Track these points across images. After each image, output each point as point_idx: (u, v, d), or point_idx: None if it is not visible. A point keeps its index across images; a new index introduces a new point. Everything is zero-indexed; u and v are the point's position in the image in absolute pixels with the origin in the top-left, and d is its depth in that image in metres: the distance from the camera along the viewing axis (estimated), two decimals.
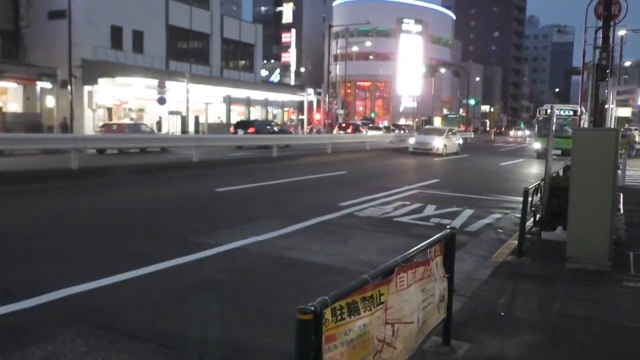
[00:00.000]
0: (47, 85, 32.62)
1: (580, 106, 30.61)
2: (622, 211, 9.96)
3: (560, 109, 29.37)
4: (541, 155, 26.54)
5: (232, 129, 34.24)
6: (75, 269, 6.12)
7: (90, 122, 33.73)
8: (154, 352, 4.00)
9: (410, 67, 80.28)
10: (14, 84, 32.44)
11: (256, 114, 50.85)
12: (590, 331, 4.61)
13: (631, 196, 12.61)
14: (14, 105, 33.23)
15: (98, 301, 5.12)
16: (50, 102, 33.53)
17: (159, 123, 35.02)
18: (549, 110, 25.57)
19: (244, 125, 32.94)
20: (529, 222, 8.12)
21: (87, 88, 33.43)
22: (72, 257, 6.66)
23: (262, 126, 33.02)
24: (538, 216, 8.50)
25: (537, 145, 30.53)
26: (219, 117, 44.07)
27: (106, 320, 4.60)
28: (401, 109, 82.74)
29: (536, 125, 32.04)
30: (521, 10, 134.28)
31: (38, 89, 33.01)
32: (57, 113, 32.25)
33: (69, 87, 30.24)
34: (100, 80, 33.70)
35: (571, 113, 29.75)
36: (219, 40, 46.56)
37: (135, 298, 5.27)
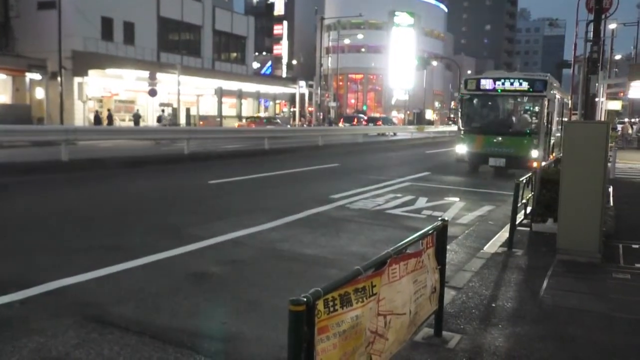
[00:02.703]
0: (37, 76, 32.33)
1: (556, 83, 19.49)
2: (612, 203, 10.04)
3: (507, 79, 16.05)
4: (473, 169, 17.31)
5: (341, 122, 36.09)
6: (67, 261, 6.09)
7: (81, 114, 33.48)
8: (146, 344, 3.99)
9: (402, 60, 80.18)
10: (2, 75, 32.14)
11: (247, 106, 50.68)
12: (580, 322, 4.65)
13: (621, 188, 12.71)
14: (3, 96, 32.94)
15: (89, 293, 5.10)
16: (39, 93, 33.24)
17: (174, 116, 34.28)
18: (484, 82, 16.21)
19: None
20: (520, 215, 8.15)
21: (77, 80, 33.11)
22: (63, 249, 6.63)
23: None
24: (529, 208, 8.54)
25: (461, 149, 16.77)
26: (168, 114, 38.26)
27: (98, 312, 4.58)
28: (393, 102, 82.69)
29: (459, 111, 17.45)
30: (513, 3, 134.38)
31: (27, 80, 32.72)
32: (47, 104, 31.99)
33: (59, 79, 29.99)
34: (91, 72, 33.41)
35: (525, 87, 15.80)
36: (210, 32, 46.29)
37: (127, 290, 5.25)
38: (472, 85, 16.28)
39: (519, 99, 16.82)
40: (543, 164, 11.61)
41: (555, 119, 17.87)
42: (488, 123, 16.68)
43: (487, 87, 15.98)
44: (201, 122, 42.12)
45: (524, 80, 15.65)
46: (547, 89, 15.38)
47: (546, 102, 15.36)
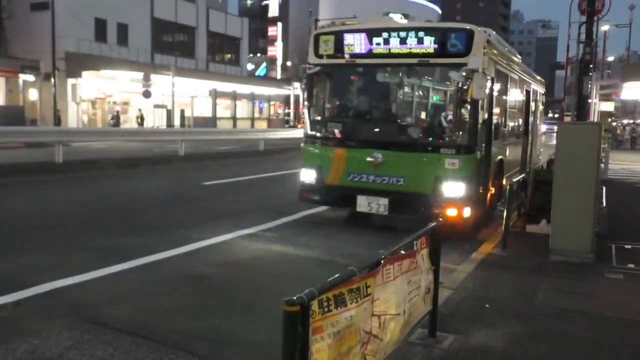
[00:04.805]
0: (30, 77, 32.13)
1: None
2: (604, 204, 10.10)
3: (396, 32, 7.75)
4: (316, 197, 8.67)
5: None
6: (61, 262, 6.07)
7: (74, 116, 33.33)
8: (140, 346, 3.98)
9: None
10: None
11: (242, 107, 50.62)
12: (573, 322, 4.68)
13: (614, 189, 12.78)
14: None
15: (83, 295, 5.08)
16: (33, 95, 33.07)
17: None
18: (351, 39, 8.01)
19: None
20: (514, 216, 8.19)
21: (70, 81, 32.96)
22: (57, 250, 6.60)
23: None
24: (522, 209, 8.58)
25: (307, 175, 8.44)
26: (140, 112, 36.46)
27: (92, 313, 4.57)
28: None
29: (304, 100, 8.83)
30: (506, 5, 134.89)
31: (21, 81, 32.53)
32: (40, 106, 31.83)
33: (53, 80, 29.85)
34: (84, 73, 33.26)
35: (430, 46, 7.53)
36: (204, 34, 46.18)
37: (121, 291, 5.24)
38: (327, 46, 8.18)
39: (420, 74, 8.45)
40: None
41: (505, 116, 9.56)
42: (357, 125, 8.46)
43: (357, 50, 7.93)
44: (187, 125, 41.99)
45: (428, 32, 7.53)
46: (475, 51, 7.22)
47: (478, 80, 6.94)
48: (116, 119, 33.27)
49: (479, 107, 7.42)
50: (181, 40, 44.53)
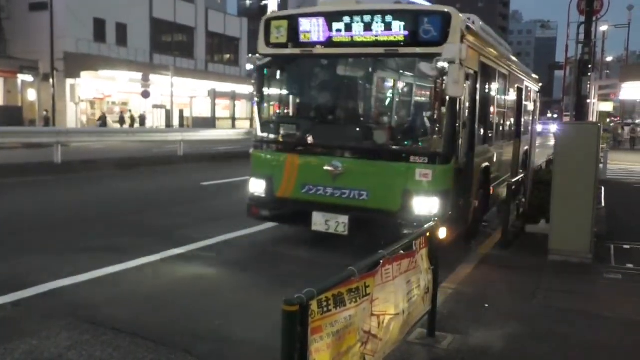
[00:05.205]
0: (29, 78, 32.12)
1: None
2: (603, 204, 10.11)
3: (358, 16, 6.43)
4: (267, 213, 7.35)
5: None
6: (60, 262, 6.06)
7: (73, 116, 33.32)
8: (139, 346, 3.98)
9: None
10: None
11: (241, 108, 50.62)
12: (572, 322, 4.69)
13: (613, 190, 12.79)
14: None
15: (82, 295, 5.08)
16: (31, 95, 33.05)
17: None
18: (307, 25, 6.74)
19: None
20: (513, 216, 8.20)
21: (69, 81, 32.95)
22: (56, 250, 6.60)
23: None
24: (521, 210, 8.59)
25: (256, 187, 7.07)
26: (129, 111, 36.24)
27: (91, 314, 4.57)
28: None
29: (255, 96, 7.41)
30: (505, 5, 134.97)
31: (19, 82, 32.51)
32: (39, 106, 31.81)
33: (51, 80, 29.83)
34: (83, 74, 33.24)
35: (400, 33, 6.25)
36: (203, 34, 46.17)
37: (120, 292, 5.24)
38: (279, 33, 7.00)
39: (388, 67, 7.19)
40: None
41: (492, 117, 8.42)
42: (313, 127, 7.18)
43: (314, 38, 6.74)
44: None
45: (398, 15, 6.32)
46: (452, 38, 6.03)
47: (454, 74, 5.73)
48: (102, 119, 33.10)
49: (457, 107, 6.21)
50: (180, 40, 44.51)
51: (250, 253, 6.82)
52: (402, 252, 3.40)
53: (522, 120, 11.16)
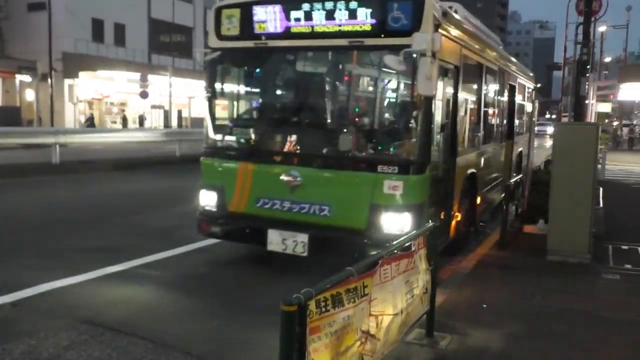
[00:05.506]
0: (27, 78, 32.09)
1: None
2: (601, 205, 10.13)
3: (318, 2, 5.62)
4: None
5: None
6: (59, 263, 6.06)
7: (72, 116, 33.28)
8: (138, 346, 3.98)
9: None
10: None
11: None
12: (570, 322, 4.69)
13: (611, 190, 12.81)
14: None
15: (81, 295, 5.08)
16: (30, 95, 33.01)
17: None
18: (261, 14, 5.91)
19: None
20: (511, 216, 8.20)
21: (67, 81, 32.90)
22: (55, 251, 6.60)
23: None
24: (520, 210, 8.61)
25: (207, 199, 6.27)
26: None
27: (90, 314, 4.56)
28: None
29: (206, 93, 6.49)
30: (504, 6, 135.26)
31: (17, 82, 32.48)
32: (37, 106, 31.78)
33: (49, 81, 29.80)
34: (81, 74, 33.21)
35: (366, 22, 5.42)
36: (202, 34, 46.11)
37: (119, 292, 5.24)
38: (232, 24, 6.24)
39: (353, 61, 6.10)
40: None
41: (479, 118, 7.62)
42: (269, 131, 6.43)
43: (270, 29, 5.95)
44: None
45: (362, 1, 5.49)
46: (423, 26, 5.20)
47: (426, 68, 4.93)
48: (90, 120, 32.98)
49: (433, 107, 5.42)
50: (178, 40, 44.48)
51: (249, 253, 6.75)
52: (400, 252, 3.40)
53: (515, 120, 10.51)
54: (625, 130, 42.12)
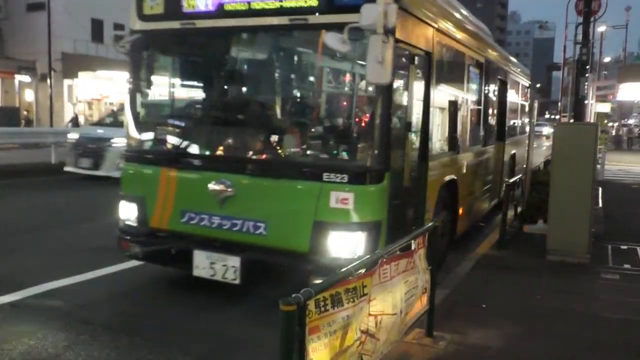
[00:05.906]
0: (26, 78, 32.09)
1: None
2: (601, 205, 10.14)
3: None
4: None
5: None
6: (58, 263, 6.05)
7: (71, 116, 33.26)
8: (137, 347, 3.97)
9: None
10: None
11: None
12: (570, 322, 4.69)
13: (610, 190, 12.81)
14: None
15: (80, 296, 5.07)
16: (29, 95, 33.00)
17: None
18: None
19: None
20: (511, 216, 8.20)
21: (67, 82, 32.90)
22: (54, 251, 6.59)
23: None
24: (519, 210, 8.60)
25: (127, 213, 5.18)
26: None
27: (88, 314, 4.56)
28: None
29: (129, 85, 5.61)
30: (503, 6, 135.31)
31: (17, 82, 32.48)
32: (36, 107, 31.77)
33: (49, 81, 29.79)
34: (81, 74, 33.18)
35: None
36: None
37: (118, 292, 5.23)
38: (154, 1, 5.12)
39: (297, 44, 5.19)
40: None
41: (458, 116, 6.27)
42: (195, 131, 5.42)
43: (200, 7, 4.83)
44: None
45: None
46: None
47: (376, 49, 3.83)
48: (74, 120, 32.89)
49: (392, 101, 4.41)
50: None
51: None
52: (400, 252, 3.40)
53: (507, 120, 9.61)
54: (624, 130, 42.20)
